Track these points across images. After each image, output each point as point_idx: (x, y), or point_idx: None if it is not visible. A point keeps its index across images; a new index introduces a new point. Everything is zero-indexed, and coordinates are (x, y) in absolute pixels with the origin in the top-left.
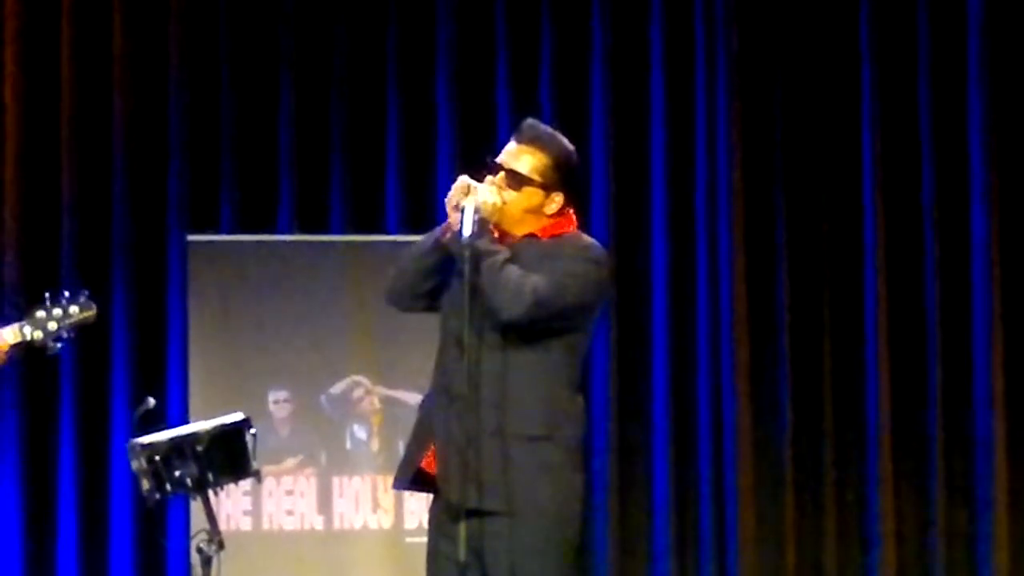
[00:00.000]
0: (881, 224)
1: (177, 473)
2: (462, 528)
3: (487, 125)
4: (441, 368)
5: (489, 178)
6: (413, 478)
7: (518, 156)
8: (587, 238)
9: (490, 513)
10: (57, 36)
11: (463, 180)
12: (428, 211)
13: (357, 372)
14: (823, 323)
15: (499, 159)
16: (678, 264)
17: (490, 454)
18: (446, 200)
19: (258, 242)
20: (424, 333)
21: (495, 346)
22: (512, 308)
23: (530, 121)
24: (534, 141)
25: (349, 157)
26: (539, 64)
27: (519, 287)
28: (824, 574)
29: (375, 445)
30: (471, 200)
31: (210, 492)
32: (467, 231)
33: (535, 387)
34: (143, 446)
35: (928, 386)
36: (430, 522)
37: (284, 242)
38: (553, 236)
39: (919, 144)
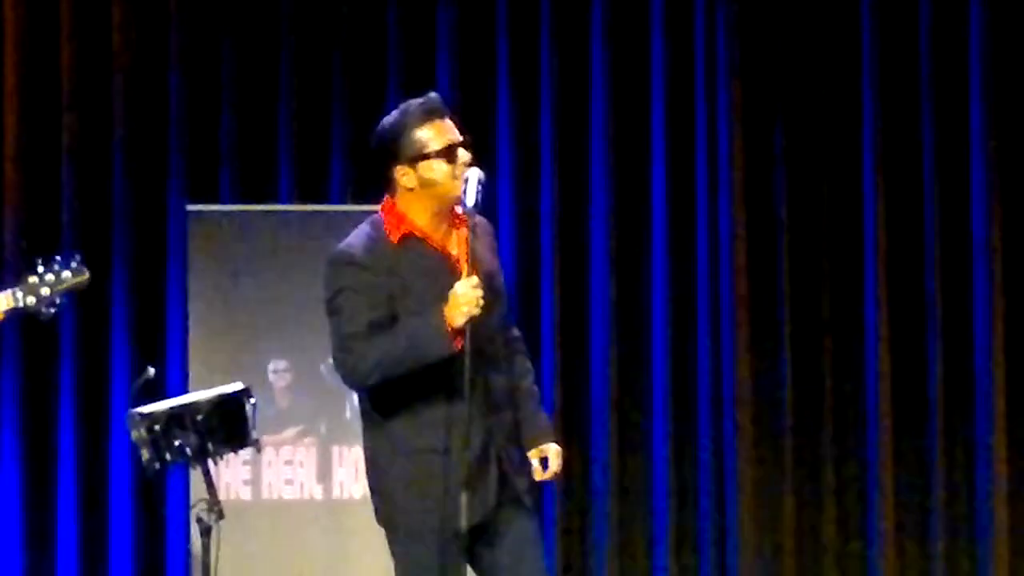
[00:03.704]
0: (881, 212)
1: (177, 443)
2: (464, 497)
3: (486, 99)
4: (446, 393)
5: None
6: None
7: None
8: None
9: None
10: (57, 4)
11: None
12: None
13: None
14: (823, 317)
15: (458, 139)
16: (678, 259)
17: (512, 454)
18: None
19: (258, 212)
20: None
21: (492, 353)
22: None
23: (436, 95)
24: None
25: (349, 127)
26: (539, 53)
27: None
28: (823, 568)
29: None
30: (474, 171)
31: (210, 462)
32: (470, 201)
33: (508, 378)
34: (143, 416)
35: (928, 378)
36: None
37: (284, 212)
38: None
39: (920, 138)
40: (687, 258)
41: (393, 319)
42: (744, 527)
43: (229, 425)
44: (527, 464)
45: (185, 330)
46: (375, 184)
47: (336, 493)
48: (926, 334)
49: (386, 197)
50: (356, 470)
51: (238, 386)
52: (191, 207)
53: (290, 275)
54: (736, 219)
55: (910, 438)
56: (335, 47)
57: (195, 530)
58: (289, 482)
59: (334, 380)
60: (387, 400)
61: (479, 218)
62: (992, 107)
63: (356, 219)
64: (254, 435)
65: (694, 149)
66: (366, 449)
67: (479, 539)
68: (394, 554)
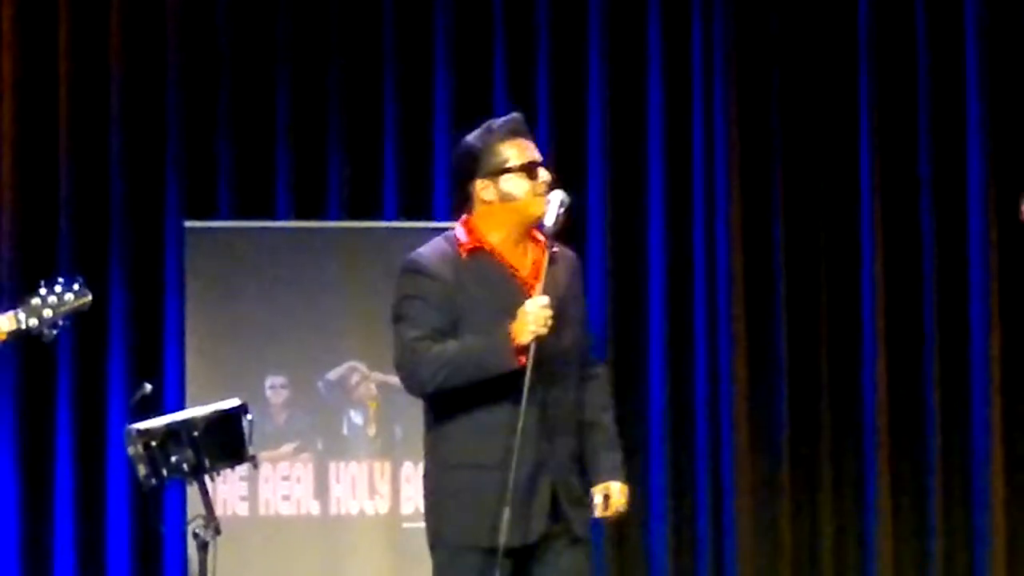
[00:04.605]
0: (878, 216)
1: (173, 458)
2: (506, 513)
3: (484, 111)
4: (503, 409)
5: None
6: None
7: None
8: None
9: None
10: (55, 21)
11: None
12: (425, 197)
13: (354, 358)
14: (820, 321)
15: (540, 158)
16: (675, 262)
17: (572, 485)
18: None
19: (255, 228)
20: None
21: (558, 377)
22: None
23: (519, 115)
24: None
25: (346, 143)
26: (536, 52)
27: None
28: (821, 570)
29: (372, 430)
30: (558, 194)
31: (206, 477)
32: (549, 221)
33: (575, 406)
34: (140, 431)
35: (925, 382)
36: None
37: (281, 228)
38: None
39: (916, 139)
40: (685, 262)
41: (456, 330)
42: (741, 533)
43: (226, 441)
44: (588, 498)
45: (182, 346)
46: (372, 200)
47: (333, 509)
48: (923, 342)
49: (464, 215)
50: (353, 486)
51: (235, 402)
52: (189, 223)
53: (288, 291)
54: (733, 224)
55: (907, 446)
56: (332, 62)
57: (192, 546)
58: (286, 498)
59: (331, 396)
60: (445, 412)
61: (565, 249)
62: (990, 101)
63: (353, 235)
64: (251, 451)
65: (691, 151)
66: (424, 461)
67: (525, 568)
68: (434, 567)
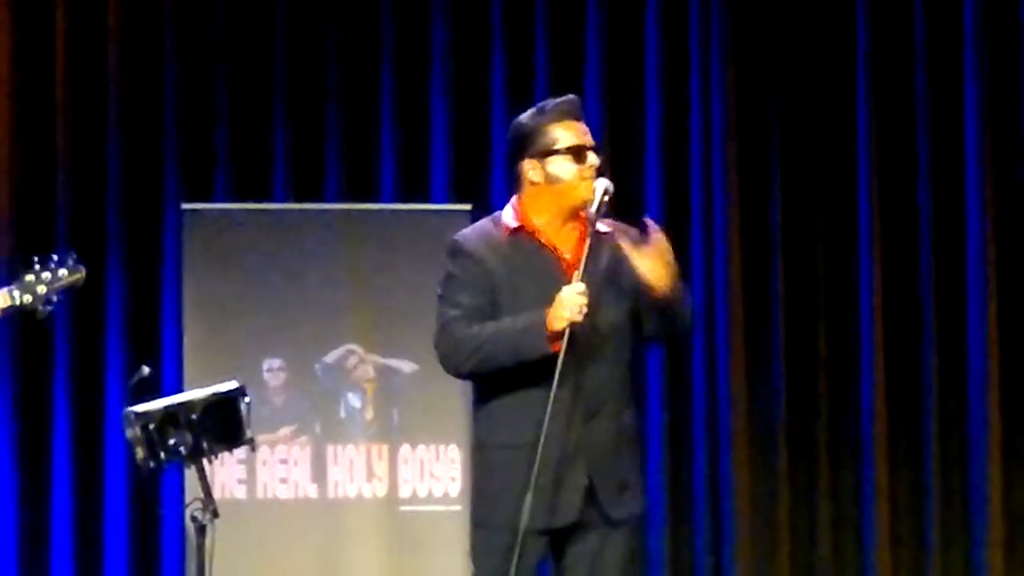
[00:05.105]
0: (876, 210)
1: (171, 441)
2: (528, 496)
3: (482, 93)
4: (539, 393)
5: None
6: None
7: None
8: None
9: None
10: (52, 3)
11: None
12: (423, 179)
13: (351, 340)
14: (817, 318)
15: (590, 143)
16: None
17: (612, 470)
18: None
19: (253, 210)
20: (419, 303)
21: (610, 347)
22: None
23: (575, 97)
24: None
25: (344, 125)
26: (534, 35)
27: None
28: (818, 568)
29: (369, 413)
30: (603, 182)
31: (204, 460)
32: (593, 208)
33: (629, 384)
34: (137, 414)
35: (923, 377)
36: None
37: (279, 210)
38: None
39: (915, 134)
40: (682, 253)
41: (497, 310)
42: (740, 530)
43: (224, 424)
44: (632, 484)
45: (180, 328)
46: (370, 182)
47: (331, 492)
48: (921, 334)
49: (514, 196)
50: (350, 469)
51: (233, 385)
52: (187, 205)
53: (285, 273)
54: (731, 219)
55: (905, 442)
56: (330, 45)
57: (190, 529)
58: (284, 481)
59: (328, 379)
60: (486, 392)
61: (620, 224)
62: (988, 85)
63: (351, 218)
64: (249, 434)
65: (688, 146)
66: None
67: (562, 549)
68: (471, 545)
